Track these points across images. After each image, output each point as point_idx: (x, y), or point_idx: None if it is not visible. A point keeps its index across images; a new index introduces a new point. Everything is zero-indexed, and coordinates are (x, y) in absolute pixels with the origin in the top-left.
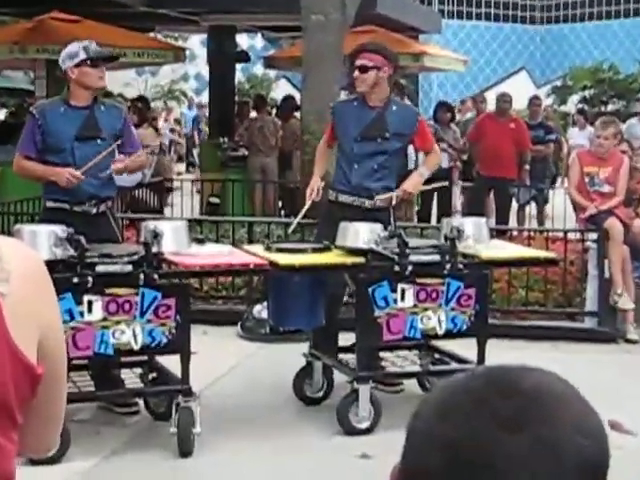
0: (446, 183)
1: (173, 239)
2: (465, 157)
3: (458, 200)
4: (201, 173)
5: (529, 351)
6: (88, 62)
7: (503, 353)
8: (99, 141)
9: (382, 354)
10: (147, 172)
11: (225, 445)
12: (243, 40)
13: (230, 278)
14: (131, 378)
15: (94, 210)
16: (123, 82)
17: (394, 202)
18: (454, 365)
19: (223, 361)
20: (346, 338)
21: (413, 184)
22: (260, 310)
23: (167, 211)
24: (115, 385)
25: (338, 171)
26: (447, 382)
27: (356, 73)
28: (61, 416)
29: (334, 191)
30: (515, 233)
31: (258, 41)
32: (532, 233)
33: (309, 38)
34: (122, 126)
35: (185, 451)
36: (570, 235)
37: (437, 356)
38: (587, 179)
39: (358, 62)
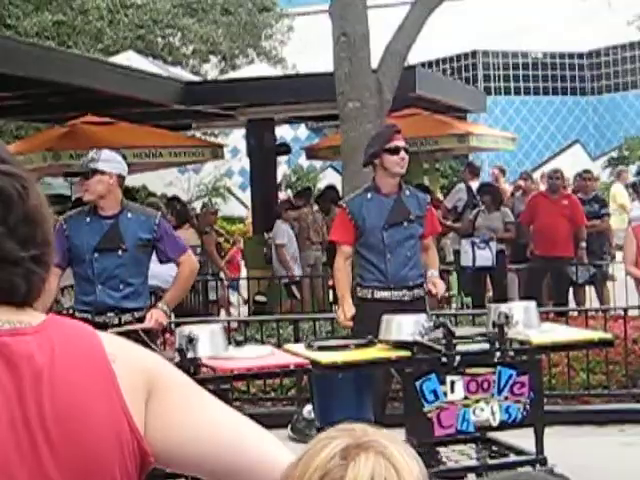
0: None
1: (210, 343)
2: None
3: (514, 284)
4: (247, 270)
5: (595, 437)
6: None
7: (567, 440)
8: (120, 252)
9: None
10: None
11: None
12: (286, 131)
13: (278, 379)
14: None
15: (116, 320)
16: (167, 181)
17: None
18: (513, 458)
19: None
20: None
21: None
22: (310, 410)
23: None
24: None
25: (367, 267)
26: None
27: (402, 154)
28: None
29: (367, 289)
30: (574, 314)
31: (302, 131)
32: (592, 313)
33: (347, 126)
34: (153, 234)
35: None
36: (633, 312)
37: (495, 448)
38: None
39: (402, 143)
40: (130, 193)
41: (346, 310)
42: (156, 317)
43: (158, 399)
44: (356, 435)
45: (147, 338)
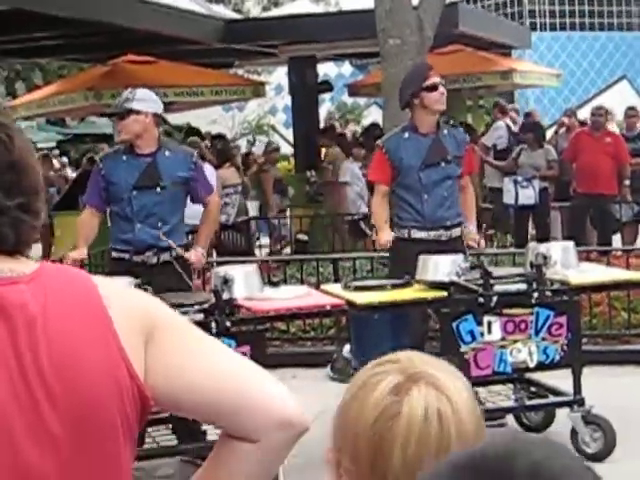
0: None
1: (245, 284)
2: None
3: (557, 222)
4: (289, 209)
5: (635, 377)
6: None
7: (606, 381)
8: (158, 189)
9: (475, 389)
10: (231, 212)
11: None
12: (330, 68)
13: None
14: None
15: (154, 260)
16: (210, 119)
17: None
18: (551, 398)
19: (313, 405)
20: None
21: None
22: (350, 350)
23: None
24: (197, 438)
25: (404, 207)
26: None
27: (441, 89)
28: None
29: (404, 228)
30: (617, 253)
31: (346, 68)
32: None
33: (387, 63)
34: (189, 172)
35: None
36: None
37: (533, 389)
38: None
39: (438, 79)
40: (193, 131)
41: (384, 234)
42: (197, 255)
43: (157, 342)
44: (404, 367)
45: (185, 273)
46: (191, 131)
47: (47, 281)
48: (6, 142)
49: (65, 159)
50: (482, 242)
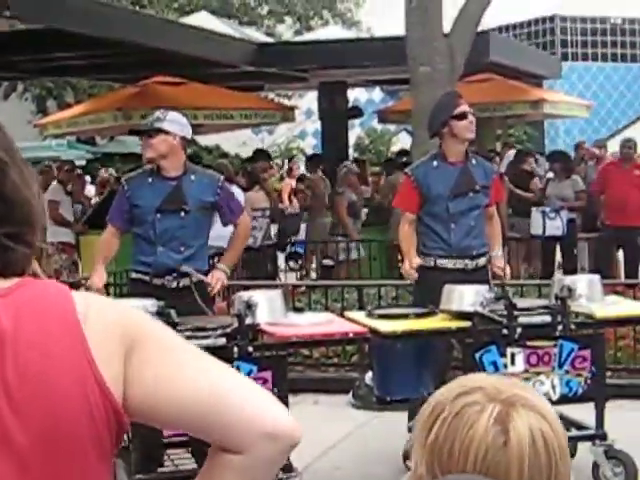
0: None
1: (268, 309)
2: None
3: (584, 253)
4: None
5: None
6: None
7: (629, 415)
8: (182, 214)
9: None
10: (258, 235)
11: None
12: (360, 94)
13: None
14: None
15: (174, 284)
16: (240, 142)
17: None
18: (573, 432)
19: (333, 432)
20: None
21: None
22: (372, 377)
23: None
24: None
25: (430, 236)
26: None
27: (470, 117)
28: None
29: (430, 257)
30: None
31: (376, 94)
32: None
33: (417, 91)
34: (216, 197)
35: None
36: None
37: None
38: None
39: (467, 108)
40: (262, 153)
41: (411, 260)
42: (217, 277)
43: (138, 355)
44: (493, 393)
45: (200, 299)
46: (260, 153)
47: (21, 295)
48: None
49: (109, 173)
50: (507, 269)
